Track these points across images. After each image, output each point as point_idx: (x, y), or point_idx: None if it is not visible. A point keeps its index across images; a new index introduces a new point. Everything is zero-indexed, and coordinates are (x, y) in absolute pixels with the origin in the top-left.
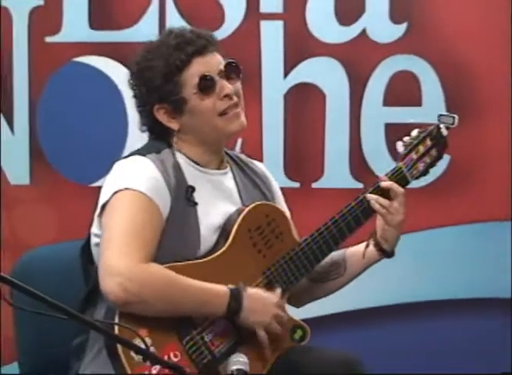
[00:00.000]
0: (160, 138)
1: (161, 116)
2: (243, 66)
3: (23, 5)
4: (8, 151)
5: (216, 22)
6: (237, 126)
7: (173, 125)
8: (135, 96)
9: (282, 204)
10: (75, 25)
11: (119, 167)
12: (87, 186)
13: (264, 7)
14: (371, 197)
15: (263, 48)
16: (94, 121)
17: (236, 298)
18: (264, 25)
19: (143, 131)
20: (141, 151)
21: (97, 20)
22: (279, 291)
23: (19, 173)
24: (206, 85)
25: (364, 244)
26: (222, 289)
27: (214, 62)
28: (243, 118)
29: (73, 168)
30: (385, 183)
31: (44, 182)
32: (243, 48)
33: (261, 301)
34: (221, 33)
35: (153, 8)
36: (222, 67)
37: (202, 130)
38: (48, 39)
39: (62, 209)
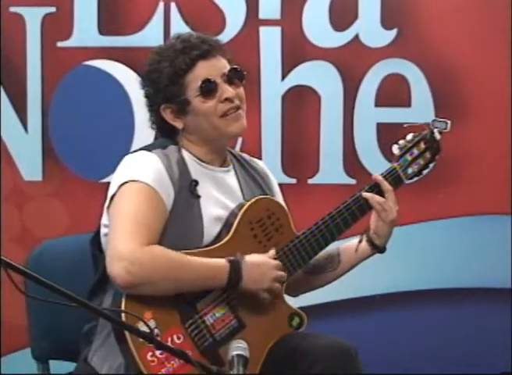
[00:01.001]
0: (167, 136)
1: (167, 115)
2: (243, 69)
3: (36, 12)
4: (22, 149)
5: (218, 28)
6: (237, 128)
7: (178, 124)
8: (145, 96)
9: (280, 199)
10: (85, 31)
11: (126, 161)
12: (96, 182)
13: (263, 14)
14: (367, 195)
15: (262, 53)
16: (102, 121)
17: (235, 268)
18: (263, 31)
19: (153, 129)
20: (148, 147)
21: (105, 26)
22: (272, 251)
23: (32, 169)
24: (208, 88)
25: (357, 239)
26: (222, 262)
27: (217, 66)
28: (243, 120)
29: (83, 165)
30: (378, 177)
31: (56, 178)
32: (243, 53)
33: (259, 267)
34: (222, 39)
35: (158, 15)
36: (225, 71)
37: (204, 131)
38: (60, 44)
39: (73, 204)
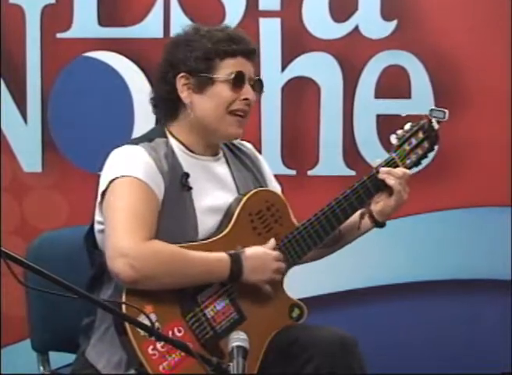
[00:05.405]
0: (165, 113)
1: (180, 83)
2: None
3: (35, 3)
4: (22, 141)
5: (217, 19)
6: (234, 132)
7: (185, 97)
8: (164, 62)
9: (272, 181)
10: (84, 22)
11: (113, 157)
12: (96, 174)
13: (263, 5)
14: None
15: (262, 44)
16: (102, 112)
17: (236, 261)
18: (263, 22)
19: (151, 103)
20: (134, 141)
21: (105, 18)
22: (272, 241)
23: (31, 161)
24: (239, 80)
25: (357, 214)
26: (223, 255)
27: (251, 68)
28: (242, 130)
29: (83, 156)
30: (384, 169)
31: (56, 170)
32: None
33: (260, 259)
34: None
35: (158, 6)
36: (254, 77)
37: (205, 116)
38: (59, 35)
39: (72, 195)
